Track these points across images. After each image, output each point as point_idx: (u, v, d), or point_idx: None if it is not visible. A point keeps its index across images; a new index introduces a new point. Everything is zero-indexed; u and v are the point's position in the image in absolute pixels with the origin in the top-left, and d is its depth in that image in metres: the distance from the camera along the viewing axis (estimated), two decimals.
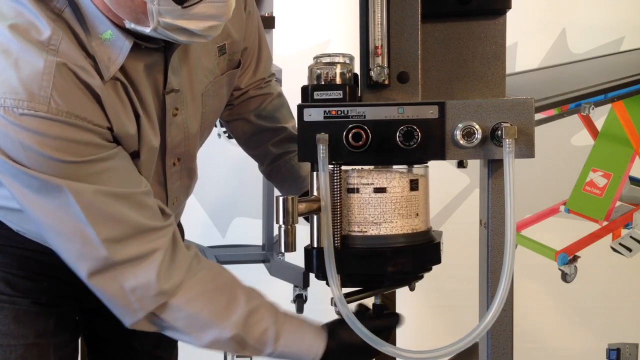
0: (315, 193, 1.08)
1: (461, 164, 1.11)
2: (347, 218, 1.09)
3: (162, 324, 1.16)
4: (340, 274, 1.06)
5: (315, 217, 1.08)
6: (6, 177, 1.05)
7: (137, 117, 1.14)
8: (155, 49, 1.14)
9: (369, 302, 1.21)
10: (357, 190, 1.08)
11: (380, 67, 1.07)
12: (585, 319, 2.99)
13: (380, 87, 1.08)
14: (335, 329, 1.19)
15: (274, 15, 2.84)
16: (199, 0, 1.01)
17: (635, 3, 3.02)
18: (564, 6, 3.04)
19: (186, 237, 1.61)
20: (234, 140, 1.57)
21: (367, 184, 1.08)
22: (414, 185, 1.09)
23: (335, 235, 1.06)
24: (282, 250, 1.05)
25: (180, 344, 1.57)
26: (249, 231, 3.12)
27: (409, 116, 1.05)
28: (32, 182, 1.03)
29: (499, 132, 1.03)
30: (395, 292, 1.33)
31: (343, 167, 1.08)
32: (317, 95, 1.08)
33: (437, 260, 1.13)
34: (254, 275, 2.90)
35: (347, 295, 1.11)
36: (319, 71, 1.09)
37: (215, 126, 1.58)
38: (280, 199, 1.04)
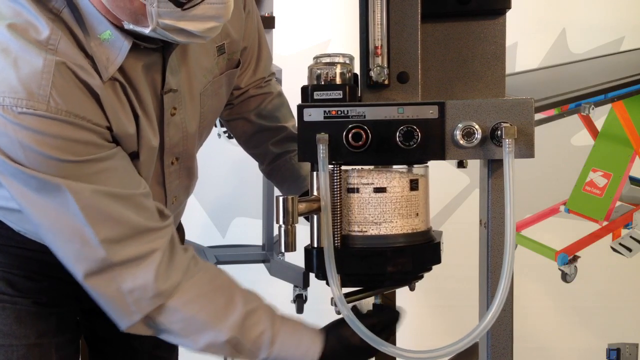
0: (315, 193, 1.08)
1: (461, 164, 1.11)
2: (347, 218, 1.09)
3: (159, 326, 1.15)
4: (340, 273, 1.06)
5: (315, 217, 1.08)
6: (5, 177, 1.05)
7: (136, 117, 1.14)
8: (153, 49, 1.14)
9: (369, 302, 1.21)
10: (357, 190, 1.08)
11: (380, 67, 1.07)
12: (585, 319, 2.99)
13: (380, 87, 1.08)
14: (332, 333, 1.18)
15: (274, 15, 2.83)
16: (199, 2, 1.01)
17: (635, 3, 3.02)
18: (564, 6, 3.04)
19: (186, 237, 1.61)
20: (234, 140, 1.57)
21: (367, 184, 1.08)
22: (414, 185, 1.09)
23: (335, 235, 1.06)
24: (282, 250, 1.05)
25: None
26: (249, 231, 3.12)
27: (408, 116, 1.05)
28: (30, 181, 1.03)
29: (499, 132, 1.03)
30: (395, 292, 1.32)
31: (343, 167, 1.08)
32: (317, 95, 1.08)
33: (437, 260, 1.13)
34: (254, 275, 2.91)
35: (347, 295, 1.11)
36: (319, 71, 1.10)
37: (215, 126, 1.58)
38: (280, 198, 1.04)
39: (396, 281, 1.16)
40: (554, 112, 2.96)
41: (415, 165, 1.12)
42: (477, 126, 1.04)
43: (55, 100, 1.01)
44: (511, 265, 1.01)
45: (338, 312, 1.07)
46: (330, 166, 1.06)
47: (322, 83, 1.09)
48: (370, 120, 1.05)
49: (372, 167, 1.10)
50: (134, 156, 1.16)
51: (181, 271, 1.14)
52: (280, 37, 2.87)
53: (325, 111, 1.06)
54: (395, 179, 1.08)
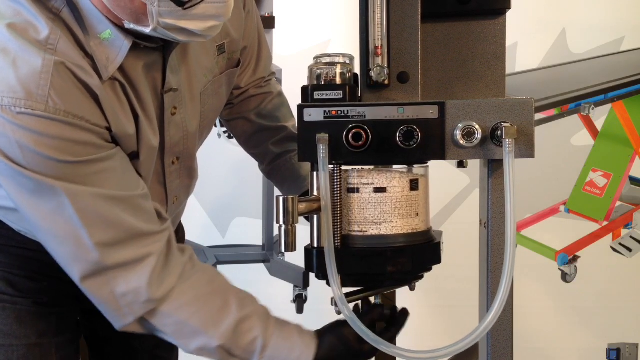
0: (315, 193, 1.08)
1: (461, 164, 1.11)
2: (347, 218, 1.09)
3: (152, 328, 1.16)
4: (341, 273, 1.06)
5: (315, 216, 1.08)
6: (3, 177, 1.05)
7: (135, 117, 1.14)
8: (153, 48, 1.14)
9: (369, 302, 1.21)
10: (357, 190, 1.08)
11: (380, 67, 1.07)
12: (585, 319, 2.99)
13: (380, 87, 1.08)
14: (327, 337, 1.18)
15: (274, 15, 2.83)
16: (199, 1, 1.01)
17: (635, 3, 3.02)
18: (564, 6, 3.04)
19: (186, 237, 1.61)
20: (234, 140, 1.57)
21: (367, 184, 1.08)
22: (414, 185, 1.09)
23: (336, 235, 1.06)
24: (282, 250, 1.05)
25: None
26: (249, 231, 3.12)
27: (409, 116, 1.05)
28: (27, 182, 1.03)
29: (499, 132, 1.03)
30: (395, 292, 1.32)
31: (343, 167, 1.08)
32: (317, 95, 1.08)
33: (437, 260, 1.13)
34: (254, 275, 2.91)
35: (347, 295, 1.11)
36: (319, 71, 1.10)
37: (215, 126, 1.58)
38: (281, 198, 1.04)
39: (396, 281, 1.16)
40: (554, 112, 2.96)
41: (415, 165, 1.12)
42: (477, 126, 1.04)
43: (54, 100, 1.01)
44: (512, 265, 1.01)
45: (338, 312, 1.07)
46: (331, 166, 1.06)
47: (322, 83, 1.09)
48: (370, 120, 1.05)
49: (372, 167, 1.10)
50: (134, 156, 1.16)
51: (176, 275, 1.14)
52: (280, 37, 2.87)
53: (325, 111, 1.06)
54: (395, 179, 1.08)
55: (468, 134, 1.04)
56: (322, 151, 1.04)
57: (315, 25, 3.05)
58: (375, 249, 1.08)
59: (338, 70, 1.09)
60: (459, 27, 1.10)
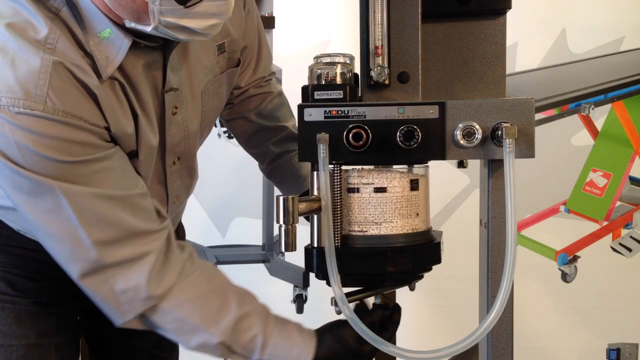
0: (315, 193, 1.08)
1: (461, 164, 1.11)
2: (347, 218, 1.09)
3: (153, 324, 1.16)
4: (341, 273, 1.06)
5: (315, 216, 1.08)
6: (1, 177, 1.05)
7: (135, 116, 1.14)
8: (153, 48, 1.14)
9: (369, 302, 1.21)
10: (358, 190, 1.08)
11: (381, 67, 1.07)
12: (585, 319, 2.99)
13: (380, 87, 1.08)
14: (327, 336, 1.18)
15: (274, 15, 2.84)
16: None
17: (635, 3, 3.02)
18: (564, 6, 3.04)
19: (186, 237, 1.61)
20: (234, 140, 1.57)
21: (368, 184, 1.08)
22: (414, 185, 1.09)
23: (336, 235, 1.06)
24: (282, 250, 1.05)
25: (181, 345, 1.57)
26: (249, 231, 3.12)
27: (409, 116, 1.05)
28: (26, 182, 1.03)
29: (499, 132, 1.03)
30: (395, 292, 1.32)
31: (343, 167, 1.08)
32: (318, 95, 1.08)
33: (437, 260, 1.13)
34: (254, 275, 2.91)
35: (347, 295, 1.11)
36: (319, 71, 1.09)
37: (215, 126, 1.58)
38: (281, 198, 1.04)
39: (396, 281, 1.16)
40: (554, 112, 2.96)
41: (415, 165, 1.12)
42: (477, 126, 1.04)
43: (52, 100, 1.01)
44: (513, 265, 1.01)
45: (338, 312, 1.07)
46: (331, 166, 1.06)
47: (323, 83, 1.09)
48: (370, 120, 1.05)
49: (372, 167, 1.10)
50: (133, 155, 1.16)
51: (175, 273, 1.14)
52: (280, 37, 2.87)
53: (325, 111, 1.06)
54: (395, 178, 1.08)
55: (468, 134, 1.04)
56: (322, 151, 1.04)
57: (315, 25, 3.05)
58: (375, 249, 1.08)
59: (338, 70, 1.09)
60: (459, 27, 1.10)
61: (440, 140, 1.05)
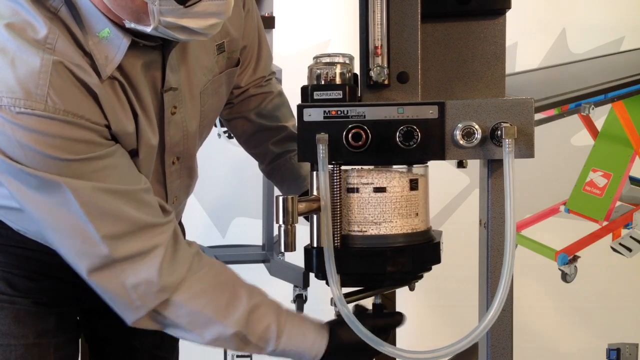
0: (315, 193, 1.08)
1: (461, 164, 1.11)
2: (347, 218, 1.09)
3: (165, 321, 1.16)
4: (340, 273, 1.06)
5: (315, 216, 1.08)
6: (5, 176, 1.05)
7: (135, 115, 1.14)
8: (152, 47, 1.14)
9: (369, 302, 1.21)
10: (357, 190, 1.08)
11: (380, 67, 1.07)
12: (585, 319, 2.99)
13: (380, 87, 1.08)
14: (337, 328, 1.19)
15: (274, 15, 2.84)
16: None
17: (635, 3, 3.02)
18: (564, 6, 3.04)
19: (186, 237, 1.61)
20: (234, 140, 1.57)
21: (367, 184, 1.08)
22: (413, 184, 1.09)
23: (335, 235, 1.06)
24: (282, 250, 1.05)
25: (181, 345, 1.57)
26: (249, 231, 3.12)
27: (408, 116, 1.05)
28: (30, 180, 1.03)
29: (499, 132, 1.03)
30: (395, 292, 1.32)
31: (343, 167, 1.08)
32: (317, 95, 1.08)
33: (437, 260, 1.13)
34: (254, 275, 2.87)
35: (347, 295, 1.11)
36: (318, 71, 1.09)
37: (215, 126, 1.58)
38: (280, 198, 1.04)
39: (396, 281, 1.16)
40: (554, 112, 2.96)
41: (415, 165, 1.12)
42: (477, 126, 1.04)
43: (53, 99, 1.01)
44: (511, 265, 1.01)
45: (338, 312, 1.07)
46: (330, 166, 1.06)
47: (322, 83, 1.09)
48: (370, 120, 1.05)
49: (371, 166, 1.10)
50: (134, 154, 1.16)
51: (185, 266, 1.14)
52: (280, 37, 2.87)
53: (325, 111, 1.06)
54: (395, 178, 1.08)
55: (468, 134, 1.04)
56: (322, 151, 1.04)
57: (315, 25, 3.05)
58: (375, 249, 1.08)
59: (338, 70, 1.09)
60: (458, 27, 1.10)
61: (440, 140, 1.05)
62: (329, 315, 1.19)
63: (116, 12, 1.05)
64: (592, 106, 2.86)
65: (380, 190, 1.08)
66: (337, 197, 1.07)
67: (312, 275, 1.14)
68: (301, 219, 1.06)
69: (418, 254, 1.10)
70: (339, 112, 1.06)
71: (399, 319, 1.22)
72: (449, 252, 1.19)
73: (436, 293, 2.91)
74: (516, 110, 1.04)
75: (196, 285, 1.15)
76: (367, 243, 1.08)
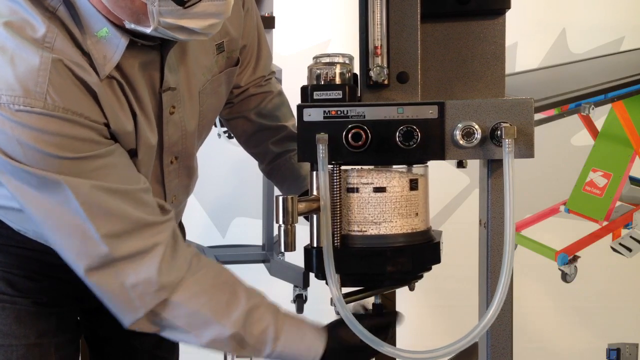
0: (314, 192, 1.08)
1: (461, 164, 1.11)
2: (346, 217, 1.09)
3: (163, 322, 1.15)
4: (340, 273, 1.06)
5: (314, 216, 1.08)
6: (4, 175, 1.05)
7: (134, 115, 1.14)
8: (151, 47, 1.14)
9: (369, 301, 1.21)
10: (357, 190, 1.08)
11: (380, 67, 1.07)
12: (585, 319, 2.99)
13: (379, 87, 1.08)
14: (335, 330, 1.18)
15: (274, 15, 2.84)
16: None
17: (635, 3, 3.02)
18: (564, 6, 3.04)
19: (186, 237, 1.61)
20: (234, 140, 1.57)
21: (367, 184, 1.08)
22: (413, 184, 1.09)
23: (335, 235, 1.06)
24: (282, 250, 1.05)
25: (181, 345, 1.57)
26: (249, 231, 3.12)
27: (408, 116, 1.05)
28: (30, 178, 1.03)
29: (499, 132, 1.03)
30: (395, 292, 1.32)
31: (342, 167, 1.08)
32: (317, 95, 1.08)
33: (437, 260, 1.13)
34: (254, 275, 2.89)
35: (346, 295, 1.11)
36: (318, 71, 1.09)
37: (215, 126, 1.58)
38: (280, 198, 1.04)
39: (396, 281, 1.16)
40: (554, 112, 2.96)
41: (414, 165, 1.12)
42: (476, 126, 1.04)
43: (52, 97, 1.01)
44: (511, 264, 1.01)
45: (338, 313, 1.07)
46: (330, 166, 1.06)
47: (322, 83, 1.09)
48: (370, 120, 1.05)
49: (371, 166, 1.10)
50: (133, 154, 1.16)
51: (185, 265, 1.14)
52: (280, 37, 2.87)
53: (325, 111, 1.06)
54: (394, 178, 1.08)
55: (468, 134, 1.04)
56: (322, 151, 1.04)
57: (315, 25, 3.05)
58: (375, 249, 1.08)
59: (337, 70, 1.09)
60: (458, 27, 1.10)
61: (440, 140, 1.05)
62: (329, 315, 1.19)
63: (116, 13, 1.05)
64: (592, 106, 2.86)
65: (380, 190, 1.08)
66: (337, 197, 1.07)
67: (312, 275, 1.14)
68: (301, 219, 1.06)
69: (418, 254, 1.10)
70: (339, 112, 1.06)
71: (395, 317, 1.22)
72: (449, 252, 1.19)
73: (436, 293, 2.91)
74: (516, 110, 1.05)
75: (195, 285, 1.15)
76: (367, 243, 1.08)
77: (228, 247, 3.13)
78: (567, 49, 3.05)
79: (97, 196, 1.06)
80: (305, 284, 2.82)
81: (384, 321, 1.20)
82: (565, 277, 2.99)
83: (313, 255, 1.09)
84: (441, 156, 1.06)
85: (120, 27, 1.08)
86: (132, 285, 1.10)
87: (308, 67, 1.11)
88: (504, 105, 1.05)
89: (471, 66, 1.10)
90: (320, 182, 1.04)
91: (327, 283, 1.05)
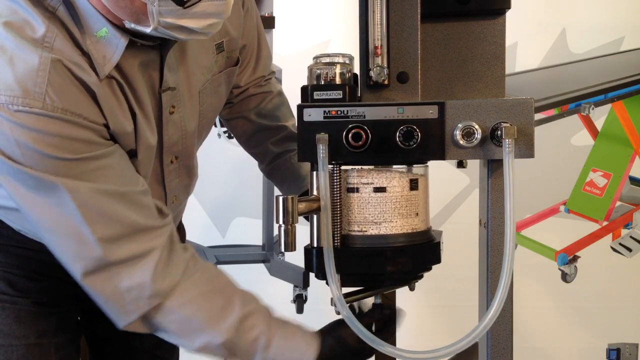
0: (315, 192, 1.08)
1: (461, 164, 1.11)
2: (347, 217, 1.09)
3: (156, 325, 1.15)
4: (340, 273, 1.06)
5: (315, 216, 1.08)
6: (3, 175, 1.05)
7: (133, 115, 1.14)
8: (151, 47, 1.14)
9: (369, 301, 1.21)
10: (357, 190, 1.08)
11: (380, 67, 1.07)
12: (585, 319, 2.99)
13: (380, 87, 1.08)
14: (329, 336, 1.18)
15: (274, 15, 2.84)
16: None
17: (635, 3, 3.02)
18: (564, 6, 3.04)
19: (186, 237, 1.61)
20: (234, 140, 1.57)
21: (367, 184, 1.08)
22: (413, 184, 1.09)
23: (335, 235, 1.06)
24: (282, 250, 1.05)
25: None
26: (249, 231, 3.12)
27: (408, 116, 1.05)
28: (27, 180, 1.03)
29: (499, 132, 1.03)
30: (395, 292, 1.32)
31: (343, 167, 1.08)
32: (317, 95, 1.08)
33: (437, 260, 1.13)
34: (254, 275, 2.91)
35: (346, 295, 1.11)
36: (318, 71, 1.09)
37: (215, 126, 1.58)
38: (280, 198, 1.04)
39: (396, 281, 1.16)
40: (554, 112, 2.96)
41: (415, 165, 1.12)
42: (477, 126, 1.04)
43: (51, 97, 1.01)
44: (511, 265, 1.01)
45: (338, 312, 1.07)
46: (330, 166, 1.06)
47: (322, 83, 1.09)
48: (370, 120, 1.05)
49: (371, 166, 1.10)
50: (132, 154, 1.16)
51: (180, 270, 1.14)
52: (280, 37, 2.87)
53: (325, 111, 1.06)
54: (395, 178, 1.08)
55: (468, 134, 1.04)
56: (322, 151, 1.04)
57: (315, 25, 3.05)
58: (375, 249, 1.08)
59: (338, 70, 1.09)
60: (458, 27, 1.10)
61: (440, 140, 1.05)
62: (329, 315, 1.18)
63: (116, 13, 1.04)
64: (592, 106, 2.86)
65: (380, 190, 1.08)
66: (337, 197, 1.07)
67: (312, 275, 1.13)
68: (301, 219, 1.06)
69: (418, 253, 1.10)
70: (339, 112, 1.06)
71: (393, 315, 1.21)
72: (449, 252, 1.19)
73: (436, 293, 2.91)
74: (516, 110, 1.05)
75: (189, 290, 1.14)
76: (367, 243, 1.08)
77: (228, 247, 3.13)
78: (567, 49, 3.05)
79: (94, 199, 1.06)
80: (305, 284, 2.82)
81: (384, 321, 1.20)
82: (565, 277, 2.99)
83: (313, 255, 1.09)
84: (441, 156, 1.06)
85: (120, 27, 1.08)
86: (126, 289, 1.10)
87: (308, 67, 1.11)
88: (504, 105, 1.05)
89: (471, 66, 1.10)
90: (320, 182, 1.04)
91: (327, 283, 1.05)
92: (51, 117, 1.01)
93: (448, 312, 2.96)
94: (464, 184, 3.00)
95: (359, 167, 1.10)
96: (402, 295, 1.30)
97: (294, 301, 2.88)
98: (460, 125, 1.04)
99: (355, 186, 1.08)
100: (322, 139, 1.04)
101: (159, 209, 1.16)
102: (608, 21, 3.01)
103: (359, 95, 1.10)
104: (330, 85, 1.08)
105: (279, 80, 2.46)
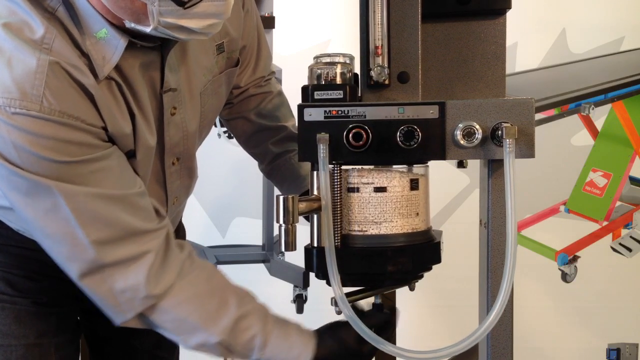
0: (315, 192, 1.08)
1: (461, 164, 1.11)
2: (347, 217, 1.09)
3: (152, 323, 1.16)
4: (340, 273, 1.06)
5: (315, 216, 1.08)
6: (1, 177, 1.05)
7: (132, 116, 1.14)
8: (151, 48, 1.14)
9: (369, 301, 1.21)
10: (358, 190, 1.08)
11: (381, 67, 1.07)
12: (585, 319, 2.99)
13: (380, 87, 1.08)
14: (327, 336, 1.18)
15: (274, 15, 2.84)
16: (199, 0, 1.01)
17: (635, 3, 3.03)
18: (564, 6, 3.04)
19: (187, 237, 1.61)
20: (234, 140, 1.57)
21: (368, 184, 1.08)
22: (414, 184, 1.09)
23: (336, 235, 1.06)
24: (282, 250, 1.05)
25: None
26: (249, 231, 3.12)
27: (409, 116, 1.05)
28: (23, 182, 1.03)
29: (499, 132, 1.03)
30: (395, 292, 1.32)
31: (343, 167, 1.08)
32: (318, 95, 1.08)
33: (437, 260, 1.13)
34: (254, 275, 2.91)
35: (347, 295, 1.11)
36: (319, 71, 1.09)
37: (215, 126, 1.58)
38: (281, 198, 1.04)
39: (396, 281, 1.16)
40: (554, 112, 2.96)
41: (415, 165, 1.12)
42: (477, 126, 1.04)
43: (49, 100, 1.00)
44: (513, 266, 1.01)
45: (339, 312, 1.07)
46: (331, 166, 1.06)
47: (323, 83, 1.09)
48: (370, 120, 1.05)
49: (372, 166, 1.10)
50: (131, 155, 1.15)
51: (174, 272, 1.14)
52: (280, 37, 2.87)
53: (325, 111, 1.06)
54: (395, 178, 1.08)
55: (468, 134, 1.04)
56: (322, 151, 1.04)
57: (315, 25, 3.05)
58: (376, 249, 1.08)
59: (338, 70, 1.09)
60: (459, 27, 1.10)
61: (440, 140, 1.05)
62: (329, 315, 1.18)
63: (116, 13, 1.04)
64: (592, 106, 2.86)
65: (380, 190, 1.08)
66: (337, 196, 1.07)
67: (312, 275, 1.13)
68: (301, 218, 1.06)
69: (418, 253, 1.10)
70: (340, 112, 1.06)
71: (389, 315, 1.21)
72: (449, 252, 1.19)
73: (436, 293, 2.90)
74: (517, 110, 1.05)
75: (184, 290, 1.15)
76: (368, 243, 1.08)
77: (228, 247, 3.13)
78: (567, 49, 3.05)
79: (89, 203, 1.05)
80: (305, 284, 2.82)
81: (384, 320, 1.19)
82: (565, 277, 2.99)
83: (313, 255, 1.09)
84: (442, 156, 1.06)
85: (120, 28, 1.07)
86: (120, 290, 1.10)
87: (309, 67, 1.11)
88: (504, 105, 1.05)
89: (472, 66, 1.10)
90: (321, 182, 1.04)
91: (327, 283, 1.05)
92: (48, 120, 1.01)
93: (448, 312, 2.96)
94: (464, 184, 3.00)
95: (360, 167, 1.10)
96: (402, 295, 1.30)
97: (294, 301, 2.88)
98: (460, 125, 1.04)
99: (356, 186, 1.08)
100: (323, 139, 1.04)
101: (156, 210, 1.16)
102: (608, 21, 3.01)
103: (360, 95, 1.10)
104: (330, 85, 1.08)
105: (279, 80, 2.46)
